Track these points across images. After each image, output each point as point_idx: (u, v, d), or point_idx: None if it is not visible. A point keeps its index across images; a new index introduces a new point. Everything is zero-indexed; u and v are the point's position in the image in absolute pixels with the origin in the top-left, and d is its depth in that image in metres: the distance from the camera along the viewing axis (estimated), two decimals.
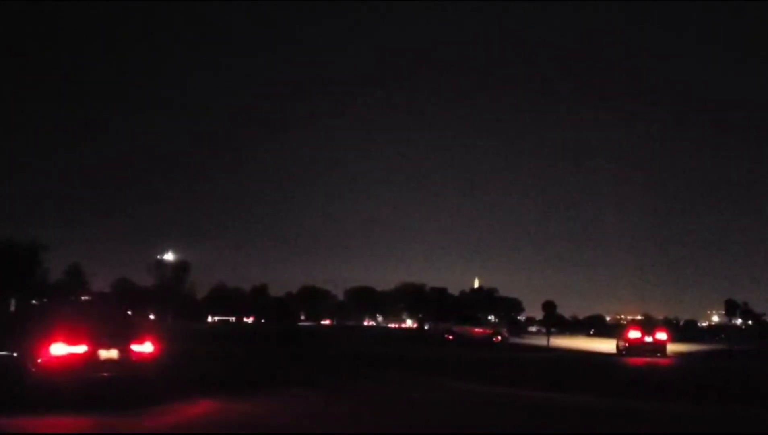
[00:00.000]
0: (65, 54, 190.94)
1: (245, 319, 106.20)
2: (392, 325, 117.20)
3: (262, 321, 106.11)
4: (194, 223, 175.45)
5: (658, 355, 33.31)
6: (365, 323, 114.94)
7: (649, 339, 34.97)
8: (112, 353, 10.90)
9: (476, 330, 40.47)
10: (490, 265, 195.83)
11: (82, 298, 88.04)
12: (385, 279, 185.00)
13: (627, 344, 35.00)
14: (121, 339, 11.14)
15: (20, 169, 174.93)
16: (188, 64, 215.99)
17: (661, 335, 35.98)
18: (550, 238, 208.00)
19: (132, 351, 11.15)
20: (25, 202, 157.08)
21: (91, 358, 10.65)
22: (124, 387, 10.96)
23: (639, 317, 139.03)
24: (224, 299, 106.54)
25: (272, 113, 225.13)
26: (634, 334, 35.67)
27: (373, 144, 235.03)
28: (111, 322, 12.06)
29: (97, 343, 10.76)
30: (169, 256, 77.38)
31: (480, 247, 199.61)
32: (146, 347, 11.35)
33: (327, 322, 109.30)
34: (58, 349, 10.40)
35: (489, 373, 18.40)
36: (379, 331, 66.96)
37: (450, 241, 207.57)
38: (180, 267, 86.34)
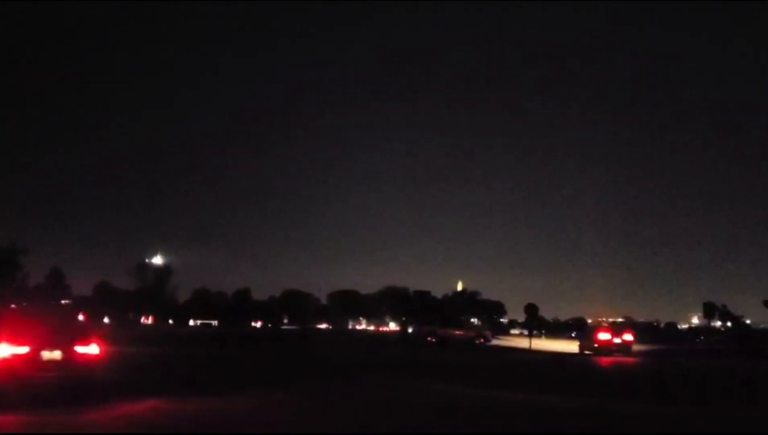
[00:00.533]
0: (46, 58, 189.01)
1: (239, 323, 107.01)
2: (376, 328, 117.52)
3: (252, 325, 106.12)
4: (177, 226, 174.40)
5: (625, 354, 36.40)
6: (349, 326, 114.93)
7: (617, 340, 38.72)
8: (56, 354, 11.15)
9: (459, 332, 40.78)
10: (473, 268, 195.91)
11: (62, 301, 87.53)
12: (369, 282, 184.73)
13: (597, 345, 38.00)
14: (65, 341, 11.40)
15: (0, 173, 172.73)
16: (169, 67, 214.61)
17: (628, 337, 40.27)
18: (532, 241, 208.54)
19: (76, 352, 11.40)
20: (6, 205, 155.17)
21: (34, 359, 10.89)
22: (68, 387, 11.13)
23: (620, 319, 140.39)
24: (207, 303, 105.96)
25: (254, 119, 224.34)
26: (603, 335, 38.88)
27: (356, 147, 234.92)
28: (56, 324, 12.26)
29: (40, 345, 11.01)
30: (157, 260, 76.77)
31: (463, 250, 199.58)
32: (92, 349, 11.59)
33: (323, 325, 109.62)
34: (1, 350, 10.66)
35: (465, 375, 18.56)
36: (362, 335, 67.13)
37: (433, 244, 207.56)
38: (162, 271, 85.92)
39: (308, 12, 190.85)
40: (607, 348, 37.64)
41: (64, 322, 13.13)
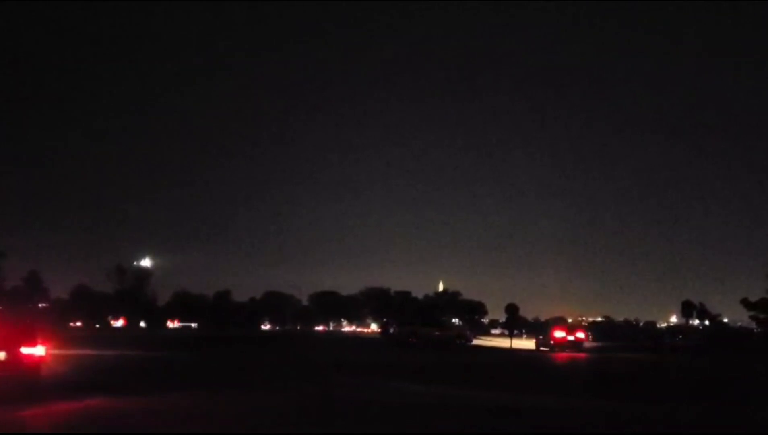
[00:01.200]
0: (21, 60, 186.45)
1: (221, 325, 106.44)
2: (354, 329, 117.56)
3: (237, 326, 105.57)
4: (157, 229, 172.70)
5: (577, 350, 40.12)
6: (329, 328, 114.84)
7: (570, 338, 42.46)
8: (0, 355, 11.64)
9: (440, 333, 40.94)
10: (453, 268, 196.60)
11: (40, 305, 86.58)
12: (350, 283, 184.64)
13: (553, 342, 41.98)
14: (11, 342, 11.81)
15: None
16: (149, 71, 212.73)
17: (580, 335, 44.28)
18: (513, 241, 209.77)
19: (21, 353, 11.79)
20: None
21: None
22: (9, 387, 11.39)
23: (599, 319, 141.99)
24: (187, 305, 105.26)
25: (234, 122, 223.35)
26: (559, 333, 42.96)
27: (335, 150, 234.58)
28: (2, 326, 12.59)
29: None
30: (146, 262, 75.77)
31: (444, 251, 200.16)
32: (37, 350, 12.03)
33: (320, 328, 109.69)
34: None
35: (438, 374, 18.67)
36: (343, 336, 67.11)
37: (414, 244, 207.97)
38: (141, 273, 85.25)
39: (288, 14, 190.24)
40: (562, 345, 41.62)
41: (11, 324, 13.50)
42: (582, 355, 37.25)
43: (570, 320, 68.61)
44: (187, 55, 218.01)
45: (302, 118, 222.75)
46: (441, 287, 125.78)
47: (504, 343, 50.63)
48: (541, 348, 42.38)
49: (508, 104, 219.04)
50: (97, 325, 79.68)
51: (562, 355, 36.21)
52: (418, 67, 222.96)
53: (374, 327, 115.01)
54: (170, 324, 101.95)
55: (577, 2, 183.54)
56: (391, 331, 49.37)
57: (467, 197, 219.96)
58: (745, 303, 77.38)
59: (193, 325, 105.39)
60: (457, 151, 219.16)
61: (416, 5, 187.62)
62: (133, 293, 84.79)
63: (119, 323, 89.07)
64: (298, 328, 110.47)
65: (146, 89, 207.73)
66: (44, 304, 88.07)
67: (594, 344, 51.53)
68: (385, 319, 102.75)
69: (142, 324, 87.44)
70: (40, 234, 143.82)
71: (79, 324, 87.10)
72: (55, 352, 19.43)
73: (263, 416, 9.89)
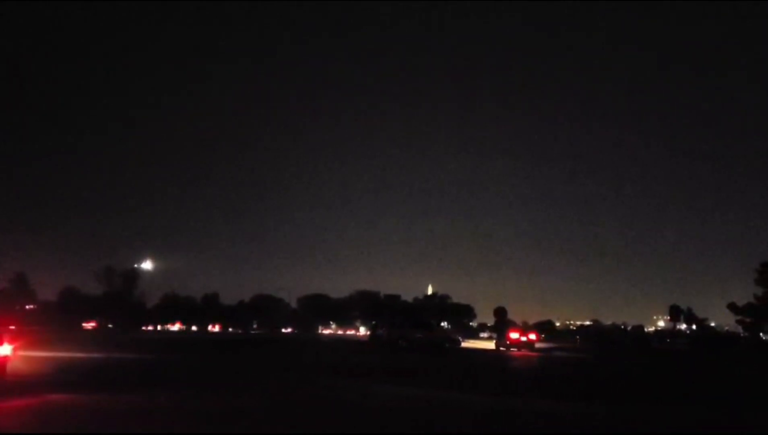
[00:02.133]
0: (14, 58, 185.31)
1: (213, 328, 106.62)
2: (343, 332, 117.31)
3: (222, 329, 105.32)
4: (145, 231, 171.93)
5: (530, 349, 46.20)
6: (319, 331, 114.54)
7: (524, 338, 49.30)
8: None
9: (429, 336, 41.05)
10: (443, 272, 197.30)
11: (27, 306, 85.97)
12: (339, 286, 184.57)
13: (509, 342, 48.06)
14: None
15: None
16: (138, 76, 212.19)
17: (532, 336, 51.96)
18: (502, 245, 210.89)
19: None
20: None
21: None
22: None
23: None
24: (175, 307, 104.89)
25: (224, 126, 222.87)
26: (513, 335, 50.18)
27: (325, 155, 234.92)
28: None
29: None
30: (147, 265, 74.84)
31: (433, 255, 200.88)
32: (3, 349, 12.79)
33: (290, 330, 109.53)
34: None
35: (421, 377, 18.66)
36: (332, 339, 67.06)
37: (404, 248, 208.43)
38: (130, 275, 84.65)
39: (278, 19, 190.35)
40: (517, 345, 47.62)
41: None
42: (534, 354, 42.12)
43: (520, 324, 79.53)
44: (173, 63, 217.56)
45: (292, 124, 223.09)
46: (430, 290, 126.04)
47: (491, 345, 52.26)
48: (500, 348, 47.26)
49: (495, 112, 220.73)
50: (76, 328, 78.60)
51: (517, 354, 41.38)
52: (408, 76, 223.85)
53: (363, 330, 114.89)
54: (171, 327, 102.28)
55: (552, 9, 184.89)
56: (381, 333, 49.46)
57: (456, 202, 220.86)
58: (732, 307, 78.20)
59: (174, 327, 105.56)
60: (446, 157, 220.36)
61: (401, 7, 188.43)
62: (122, 295, 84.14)
63: (89, 325, 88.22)
64: (289, 330, 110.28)
65: (139, 94, 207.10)
66: (31, 306, 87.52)
67: (544, 344, 59.31)
68: (374, 322, 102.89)
69: (110, 325, 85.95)
70: (28, 235, 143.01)
71: (93, 325, 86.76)
72: (27, 353, 19.60)
73: (237, 417, 9.91)
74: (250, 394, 12.99)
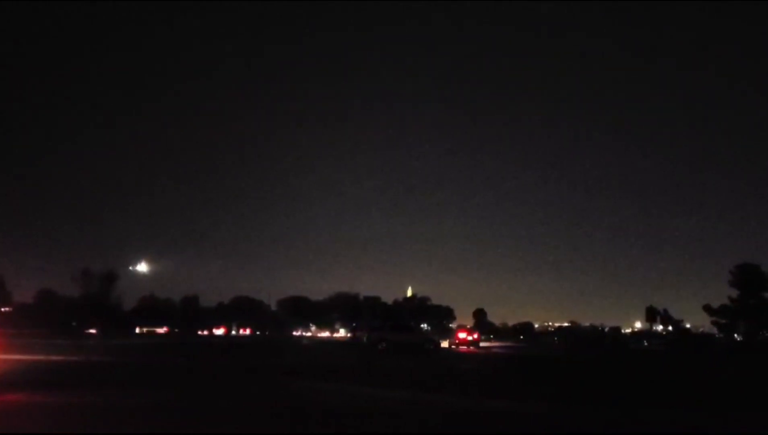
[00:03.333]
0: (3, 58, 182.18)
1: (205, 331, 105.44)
2: (314, 334, 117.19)
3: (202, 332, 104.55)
4: (123, 233, 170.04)
5: (475, 347, 53.57)
6: (295, 333, 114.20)
7: (470, 338, 58.04)
8: None
9: (409, 338, 41.18)
10: (422, 274, 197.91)
11: (2, 309, 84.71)
12: (319, 288, 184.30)
13: (457, 341, 56.80)
14: None
15: None
16: (125, 78, 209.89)
17: (476, 336, 61.20)
18: (481, 247, 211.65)
19: None
20: None
21: None
22: None
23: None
24: (154, 310, 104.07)
25: (207, 128, 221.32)
26: (462, 335, 59.16)
27: (305, 157, 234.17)
28: None
29: None
30: (142, 267, 73.36)
31: (412, 257, 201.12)
32: None
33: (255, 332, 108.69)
34: None
35: (394, 378, 18.73)
36: (311, 341, 66.85)
37: (383, 250, 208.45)
38: (106, 277, 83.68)
39: (271, 19, 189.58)
40: (464, 343, 55.76)
41: None
42: (476, 350, 48.60)
43: (469, 326, 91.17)
44: (158, 65, 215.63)
45: (274, 127, 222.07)
46: (410, 292, 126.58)
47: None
48: (452, 346, 53.48)
49: (478, 113, 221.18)
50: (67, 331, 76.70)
51: (463, 350, 48.41)
52: (391, 77, 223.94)
53: (343, 332, 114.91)
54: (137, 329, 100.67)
55: (551, 12, 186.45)
56: (359, 335, 49.71)
57: (436, 204, 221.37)
58: (707, 309, 79.58)
59: (162, 330, 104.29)
60: (426, 159, 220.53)
61: (396, 8, 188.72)
62: (99, 298, 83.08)
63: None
64: (267, 333, 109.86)
65: (120, 95, 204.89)
66: (7, 308, 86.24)
67: (487, 344, 69.16)
68: (354, 325, 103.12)
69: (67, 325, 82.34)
70: (3, 238, 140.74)
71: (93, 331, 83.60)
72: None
73: (216, 418, 9.89)
74: (184, 392, 12.90)
